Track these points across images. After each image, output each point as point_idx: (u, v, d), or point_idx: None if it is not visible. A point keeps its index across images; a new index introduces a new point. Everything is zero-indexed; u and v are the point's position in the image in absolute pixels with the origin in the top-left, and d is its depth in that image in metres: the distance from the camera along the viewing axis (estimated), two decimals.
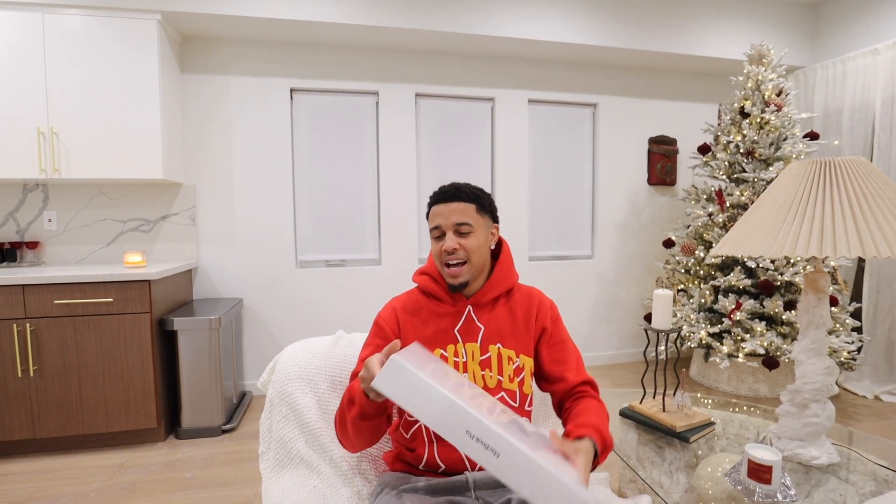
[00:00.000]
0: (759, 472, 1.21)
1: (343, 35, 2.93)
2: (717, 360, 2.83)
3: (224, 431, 2.54)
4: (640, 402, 1.72)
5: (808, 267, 2.85)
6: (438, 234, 1.11)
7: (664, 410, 1.64)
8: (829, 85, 3.47)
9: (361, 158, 3.17)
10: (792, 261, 2.84)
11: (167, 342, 2.52)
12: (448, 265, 1.10)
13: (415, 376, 0.74)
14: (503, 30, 2.98)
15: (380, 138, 3.15)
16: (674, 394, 1.68)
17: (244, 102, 2.97)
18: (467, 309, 1.13)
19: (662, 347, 3.21)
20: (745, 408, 1.91)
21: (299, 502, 1.19)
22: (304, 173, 3.10)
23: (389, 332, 1.13)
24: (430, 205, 1.13)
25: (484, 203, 1.14)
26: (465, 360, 1.09)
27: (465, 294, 1.15)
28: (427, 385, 0.73)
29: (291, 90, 3.05)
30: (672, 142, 3.73)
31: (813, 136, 3.01)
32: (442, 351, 1.10)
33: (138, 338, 2.32)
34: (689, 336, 2.96)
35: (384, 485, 1.13)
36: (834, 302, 2.79)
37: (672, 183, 3.73)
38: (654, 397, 1.75)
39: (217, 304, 2.76)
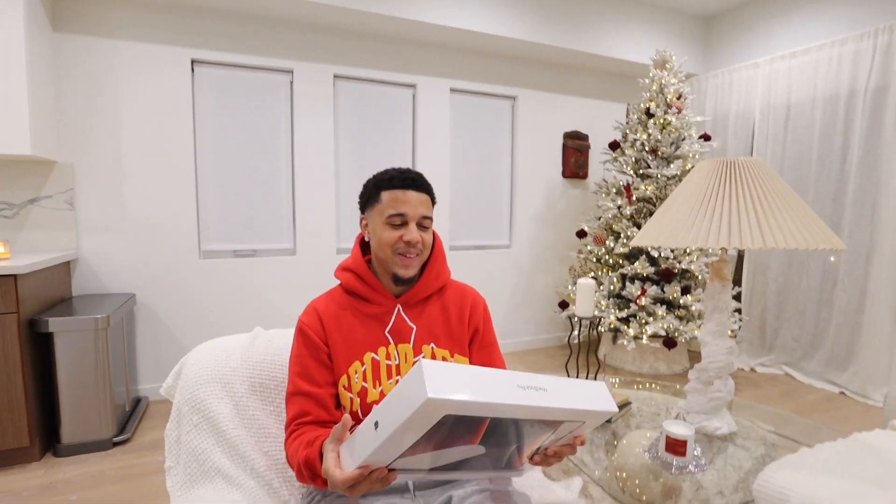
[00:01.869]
0: (676, 446, 1.30)
1: (253, 4, 2.68)
2: (625, 343, 3.05)
3: (116, 444, 2.25)
4: None
5: (701, 257, 3.16)
6: (400, 221, 1.02)
7: None
8: (718, 92, 3.85)
9: (275, 141, 2.94)
10: (687, 251, 3.12)
11: (40, 346, 2.16)
12: (404, 255, 1.03)
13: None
14: (425, 14, 2.91)
15: (294, 121, 2.95)
16: (595, 377, 1.77)
17: (135, 72, 2.61)
18: (396, 308, 1.07)
19: (585, 332, 3.39)
20: (651, 385, 2.07)
21: None
22: (208, 154, 2.81)
23: (317, 339, 1.03)
24: (387, 187, 1.03)
25: (435, 198, 1.11)
26: (397, 362, 1.04)
27: (395, 292, 1.09)
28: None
29: (193, 62, 2.74)
30: (584, 137, 3.92)
31: (706, 137, 3.32)
32: (373, 354, 1.03)
33: (2, 344, 1.97)
34: (600, 321, 3.15)
35: (314, 493, 1.05)
36: None
37: (584, 176, 3.93)
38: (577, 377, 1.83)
39: (104, 301, 2.42)
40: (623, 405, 1.69)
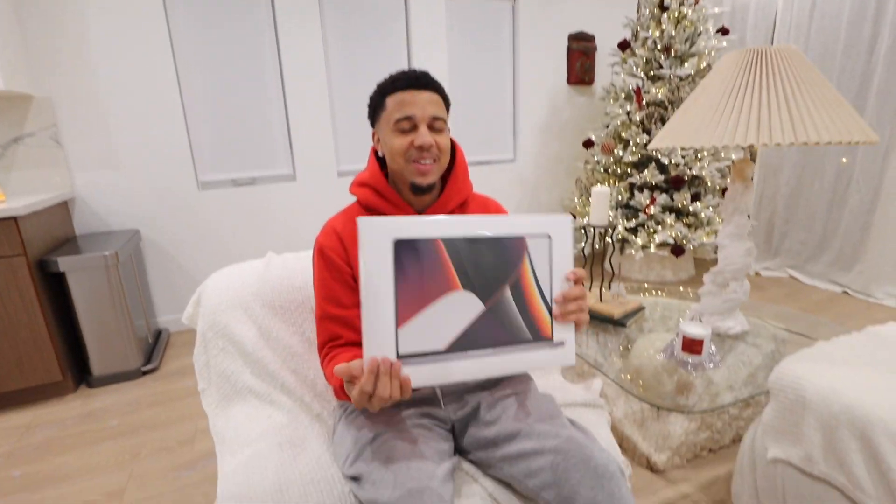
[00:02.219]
0: (692, 346, 1.33)
1: None
2: (633, 252, 3.06)
3: (145, 373, 2.34)
4: None
5: (713, 162, 3.07)
6: (409, 125, 0.93)
7: (601, 301, 1.74)
8: None
9: (260, 61, 2.75)
10: (699, 155, 3.03)
11: (53, 286, 2.17)
12: (418, 162, 0.95)
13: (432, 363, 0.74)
14: None
15: (279, 37, 2.73)
16: (608, 285, 1.78)
17: None
18: None
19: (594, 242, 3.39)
20: (657, 293, 2.09)
21: (256, 435, 1.11)
22: (192, 80, 2.63)
23: (339, 260, 0.99)
24: (390, 91, 0.95)
25: (448, 99, 1.02)
26: None
27: (417, 208, 1.03)
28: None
29: None
30: (591, 38, 3.66)
31: (724, 31, 3.09)
32: None
33: (16, 285, 1.97)
34: (614, 230, 3.14)
35: (347, 405, 1.07)
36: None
37: (590, 82, 3.73)
38: (589, 289, 1.84)
39: (109, 239, 2.40)
40: (636, 310, 1.72)
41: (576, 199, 3.51)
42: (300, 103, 2.84)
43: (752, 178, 1.48)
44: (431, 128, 0.95)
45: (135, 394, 2.17)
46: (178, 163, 2.65)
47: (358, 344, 0.99)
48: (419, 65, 3.13)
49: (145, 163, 2.59)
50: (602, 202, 1.66)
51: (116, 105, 2.49)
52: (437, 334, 0.74)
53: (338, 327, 0.99)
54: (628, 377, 1.43)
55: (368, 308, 0.71)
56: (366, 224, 0.71)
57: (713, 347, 1.37)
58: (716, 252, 3.05)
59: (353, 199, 3.11)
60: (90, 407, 2.07)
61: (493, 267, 0.78)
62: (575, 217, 3.38)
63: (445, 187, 1.04)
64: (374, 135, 1.03)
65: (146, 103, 2.54)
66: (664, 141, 1.47)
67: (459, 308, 0.75)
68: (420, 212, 1.03)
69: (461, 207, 1.07)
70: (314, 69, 2.84)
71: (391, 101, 0.95)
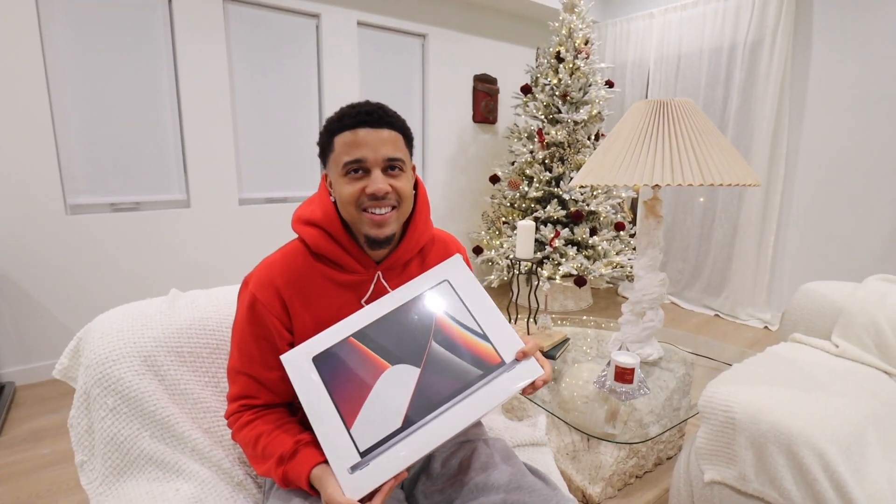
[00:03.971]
0: (624, 375, 1.38)
1: None
2: (536, 283, 3.20)
3: None
4: None
5: (606, 199, 3.36)
6: (358, 168, 0.82)
7: (528, 333, 1.76)
8: (617, 40, 4.00)
9: (153, 73, 2.45)
10: (594, 192, 3.30)
11: None
12: (371, 211, 0.83)
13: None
14: None
15: (177, 49, 2.48)
16: (534, 318, 1.81)
17: None
18: (376, 276, 0.91)
19: (504, 275, 3.46)
20: (566, 323, 2.19)
21: None
22: (65, 90, 2.25)
23: (273, 321, 0.85)
24: (337, 130, 0.83)
25: (409, 135, 0.90)
26: None
27: (375, 257, 0.91)
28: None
29: None
30: (494, 81, 3.87)
31: (610, 84, 3.46)
32: None
33: None
34: (540, 263, 3.25)
35: None
36: (621, 227, 3.38)
37: (494, 121, 3.92)
38: (514, 323, 1.85)
39: None
40: (562, 342, 1.76)
41: (482, 233, 3.61)
42: (198, 122, 2.58)
43: (662, 214, 1.62)
44: (387, 172, 0.83)
45: None
46: (41, 183, 2.21)
47: (274, 406, 0.90)
48: (329, 90, 3.04)
49: None
50: (527, 236, 1.70)
51: None
52: (388, 415, 0.74)
53: (254, 387, 0.88)
54: (561, 409, 1.45)
55: (318, 424, 0.74)
56: (288, 360, 0.80)
57: (642, 375, 1.44)
58: (609, 282, 3.32)
59: (287, 234, 2.86)
60: None
61: (410, 332, 0.81)
62: (481, 251, 3.46)
63: (405, 235, 0.93)
64: (324, 177, 0.91)
65: (2, 113, 2.10)
66: (588, 178, 1.56)
67: (396, 383, 0.77)
68: (378, 262, 0.92)
69: (421, 254, 0.98)
70: (216, 86, 2.60)
71: (339, 141, 0.82)
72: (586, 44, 3.33)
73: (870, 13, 2.78)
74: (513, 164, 3.54)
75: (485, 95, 3.82)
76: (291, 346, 0.88)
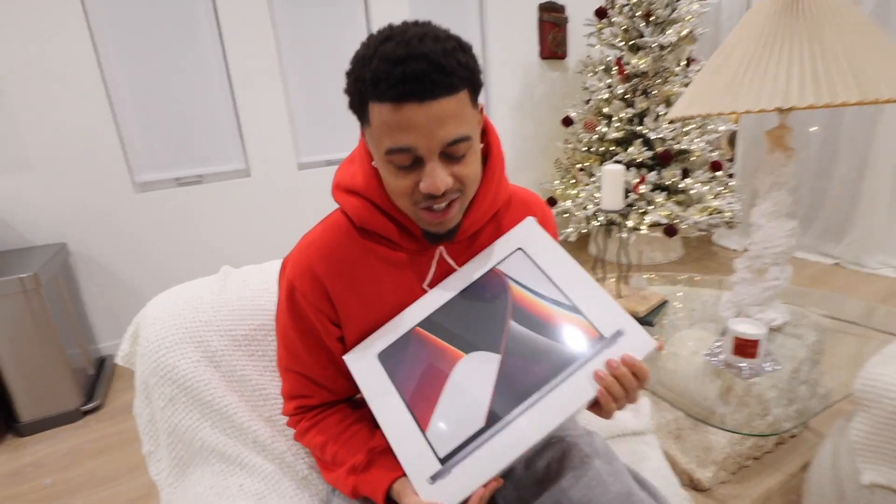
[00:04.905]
0: (746, 348, 1.13)
1: None
2: (624, 236, 2.89)
3: (86, 413, 1.98)
4: None
5: (702, 134, 2.92)
6: (409, 160, 0.59)
7: (621, 297, 1.53)
8: None
9: (198, 46, 2.35)
10: (686, 128, 2.87)
11: None
12: (430, 209, 0.63)
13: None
14: None
15: (220, 17, 2.34)
16: (625, 278, 1.58)
17: None
18: (438, 252, 0.73)
19: (579, 228, 3.19)
20: (658, 279, 1.91)
21: None
22: (115, 64, 2.22)
23: (314, 312, 0.71)
24: (372, 97, 0.56)
25: (477, 83, 0.61)
26: None
27: (433, 236, 0.71)
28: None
29: None
30: (561, 9, 3.43)
31: None
32: None
33: None
34: (595, 215, 2.95)
35: None
36: (719, 167, 2.94)
37: (563, 56, 3.51)
38: (604, 283, 1.63)
39: (29, 256, 2.01)
40: (660, 305, 1.52)
41: (556, 182, 3.31)
42: (249, 87, 2.48)
43: (792, 146, 1.29)
44: (449, 157, 0.60)
45: (74, 440, 1.81)
46: (106, 161, 2.24)
47: (333, 404, 0.79)
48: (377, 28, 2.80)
49: (67, 162, 2.17)
50: (615, 182, 1.44)
51: (20, 98, 2.06)
52: (469, 413, 0.63)
53: (307, 386, 0.77)
54: (663, 387, 1.23)
55: (390, 430, 0.65)
56: (351, 360, 0.71)
57: (768, 346, 1.19)
58: (701, 230, 2.93)
59: (330, 205, 2.79)
60: (18, 463, 1.71)
61: (482, 314, 0.69)
62: (556, 202, 3.18)
63: (474, 200, 0.71)
64: (362, 134, 0.67)
65: (59, 89, 2.11)
66: (690, 108, 1.26)
67: (474, 374, 0.65)
68: (437, 240, 0.70)
69: (495, 220, 0.77)
70: (262, 47, 2.47)
71: (377, 116, 0.57)
72: None
73: None
74: (588, 102, 3.16)
75: (552, 27, 3.41)
76: (341, 341, 0.74)
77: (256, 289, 1.05)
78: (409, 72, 0.53)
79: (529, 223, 0.75)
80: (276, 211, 2.68)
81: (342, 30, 2.72)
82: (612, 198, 1.45)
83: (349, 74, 0.59)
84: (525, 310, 0.68)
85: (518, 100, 3.42)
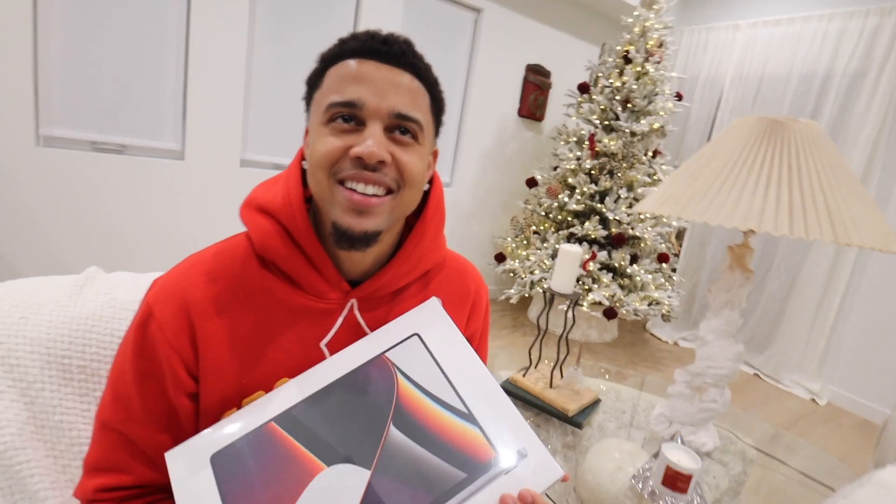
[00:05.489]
0: (678, 481, 1.02)
1: None
2: (563, 308, 2.83)
3: None
4: (524, 375, 1.46)
5: (656, 225, 2.95)
6: (350, 116, 0.53)
7: (551, 387, 1.40)
8: (692, 50, 3.56)
9: (160, 2, 2.12)
10: (641, 217, 2.90)
11: None
12: (351, 186, 0.53)
13: None
14: None
15: None
16: (560, 366, 1.45)
17: None
18: (349, 305, 0.61)
19: (522, 291, 3.10)
20: (606, 376, 1.82)
21: None
22: (56, 11, 1.93)
23: (170, 360, 0.54)
24: (340, 55, 0.55)
25: (438, 96, 0.61)
26: None
27: (348, 274, 0.61)
28: None
29: None
30: (547, 74, 3.47)
31: (679, 96, 3.03)
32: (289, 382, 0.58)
33: None
34: (541, 281, 2.89)
35: None
36: (665, 259, 2.97)
37: (541, 118, 3.53)
38: (535, 367, 1.50)
39: None
40: (592, 403, 1.40)
41: (509, 239, 3.24)
42: (206, 65, 2.24)
43: (751, 267, 1.24)
44: (392, 130, 0.54)
45: None
46: (11, 105, 1.91)
47: (155, 493, 0.59)
48: None
49: None
50: (571, 264, 1.34)
51: None
52: None
53: (124, 451, 0.56)
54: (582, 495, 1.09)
55: None
56: (174, 458, 0.52)
57: (701, 487, 1.08)
58: (636, 314, 2.92)
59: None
60: None
61: (358, 413, 0.54)
62: (504, 259, 3.10)
63: (402, 247, 0.63)
64: (305, 134, 0.61)
65: None
66: (662, 207, 1.18)
67: (334, 495, 0.50)
68: (353, 284, 0.61)
69: (423, 281, 0.66)
70: (234, 27, 2.26)
71: (333, 73, 0.55)
72: (660, 47, 2.91)
73: None
74: (555, 169, 3.15)
75: (535, 88, 3.43)
76: (193, 399, 0.57)
77: (119, 307, 0.83)
78: (381, 37, 0.54)
79: (433, 304, 0.63)
80: (202, 204, 2.40)
81: (324, 40, 2.56)
82: (564, 279, 1.35)
83: (317, 59, 0.59)
84: (410, 414, 0.55)
85: (489, 149, 3.37)
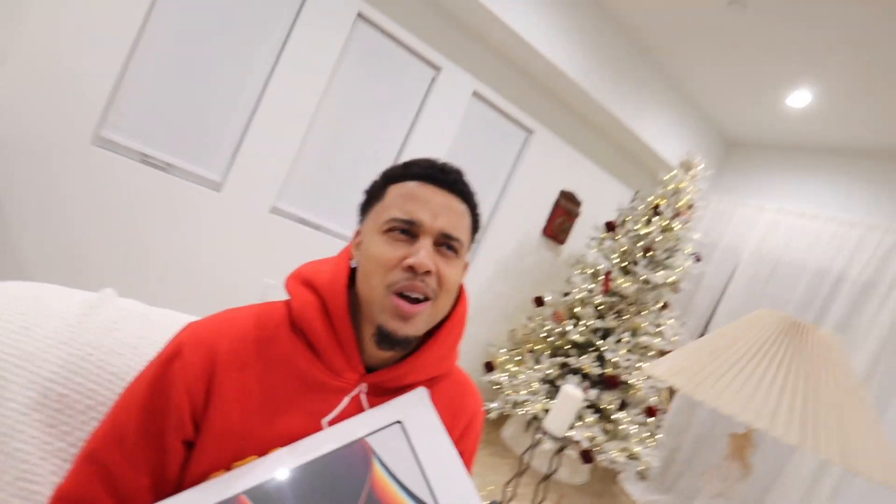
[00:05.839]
0: None
1: None
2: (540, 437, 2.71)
3: None
4: None
5: (647, 377, 2.91)
6: (406, 230, 0.61)
7: None
8: (716, 217, 3.74)
9: (255, 48, 2.28)
10: (639, 366, 2.87)
11: None
12: (404, 295, 0.60)
13: None
14: None
15: (290, 38, 2.32)
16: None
17: None
18: (358, 389, 0.64)
19: (497, 408, 3.00)
20: None
21: None
22: (167, 19, 2.06)
23: (180, 401, 0.57)
24: (403, 177, 0.65)
25: (478, 220, 0.71)
26: None
27: (369, 362, 0.66)
28: None
29: None
30: (578, 203, 3.63)
31: (697, 258, 3.13)
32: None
33: None
34: (524, 403, 2.80)
35: None
36: (653, 413, 2.90)
37: (562, 242, 3.63)
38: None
39: None
40: None
41: (503, 350, 3.19)
42: (274, 112, 2.37)
43: (750, 464, 1.20)
44: (441, 247, 0.63)
45: None
46: (85, 93, 1.98)
47: None
48: (417, 143, 2.84)
49: (44, 67, 1.90)
50: (570, 408, 1.30)
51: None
52: None
53: (102, 486, 0.56)
54: None
55: None
56: None
57: None
58: (612, 464, 2.77)
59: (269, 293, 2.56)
60: None
61: (329, 496, 0.55)
62: (493, 368, 3.04)
63: (420, 348, 0.67)
64: (356, 234, 0.70)
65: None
66: (674, 377, 1.17)
67: None
68: (369, 370, 0.66)
69: (429, 382, 0.69)
70: (309, 88, 2.41)
71: (394, 191, 0.65)
72: (689, 208, 3.07)
73: None
74: (566, 295, 3.18)
75: (564, 213, 3.57)
76: (187, 446, 0.59)
77: (121, 341, 0.81)
78: (439, 165, 0.66)
79: (420, 395, 0.66)
80: (224, 239, 2.40)
81: (387, 119, 2.75)
82: (560, 421, 1.31)
83: (379, 176, 0.69)
84: (380, 503, 0.56)
85: (505, 259, 3.44)
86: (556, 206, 3.53)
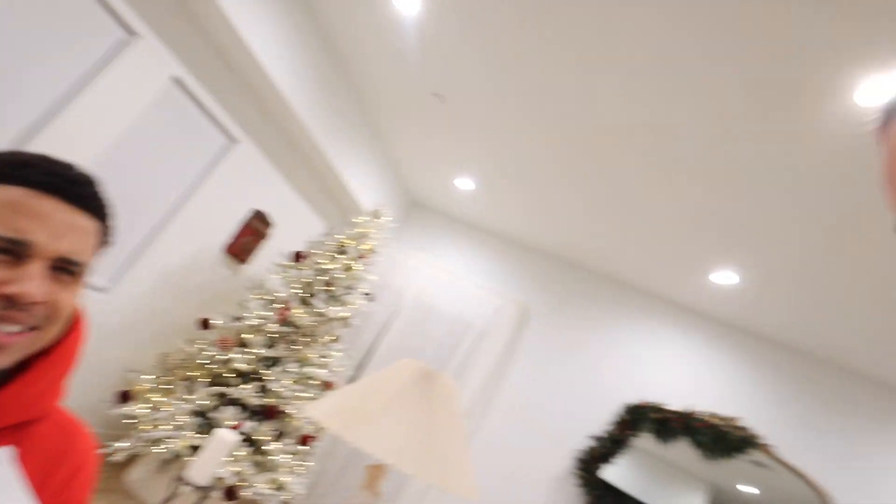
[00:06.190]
0: None
1: None
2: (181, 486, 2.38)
3: None
4: None
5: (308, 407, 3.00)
6: (5, 252, 0.49)
7: None
8: (389, 263, 4.27)
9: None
10: (300, 395, 2.93)
11: None
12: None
13: None
14: None
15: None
16: None
17: None
18: None
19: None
20: None
21: None
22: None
23: None
24: (13, 178, 0.51)
25: (107, 226, 0.60)
26: None
27: None
28: None
29: None
30: (269, 225, 3.54)
31: (370, 297, 3.48)
32: None
33: None
34: (162, 441, 2.43)
35: None
36: (306, 441, 2.98)
37: (244, 262, 3.43)
38: None
39: None
40: None
41: (147, 377, 2.72)
42: None
43: (380, 491, 1.37)
44: (56, 272, 0.52)
45: None
46: None
47: None
48: (81, 108, 2.21)
49: None
50: (221, 453, 1.21)
51: None
52: None
53: None
54: None
55: None
56: None
57: None
58: (258, 497, 2.70)
59: None
60: None
61: None
62: (129, 398, 2.54)
63: (13, 381, 0.53)
64: None
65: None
66: (332, 421, 1.25)
67: None
68: None
69: (23, 426, 0.56)
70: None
71: (3, 194, 0.50)
72: (371, 252, 3.41)
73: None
74: (237, 319, 2.98)
75: (252, 232, 3.41)
76: None
77: None
78: (70, 174, 0.54)
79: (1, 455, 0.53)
80: None
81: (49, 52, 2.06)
82: (207, 467, 1.19)
83: None
84: None
85: (171, 271, 3.00)
86: (246, 224, 3.35)
